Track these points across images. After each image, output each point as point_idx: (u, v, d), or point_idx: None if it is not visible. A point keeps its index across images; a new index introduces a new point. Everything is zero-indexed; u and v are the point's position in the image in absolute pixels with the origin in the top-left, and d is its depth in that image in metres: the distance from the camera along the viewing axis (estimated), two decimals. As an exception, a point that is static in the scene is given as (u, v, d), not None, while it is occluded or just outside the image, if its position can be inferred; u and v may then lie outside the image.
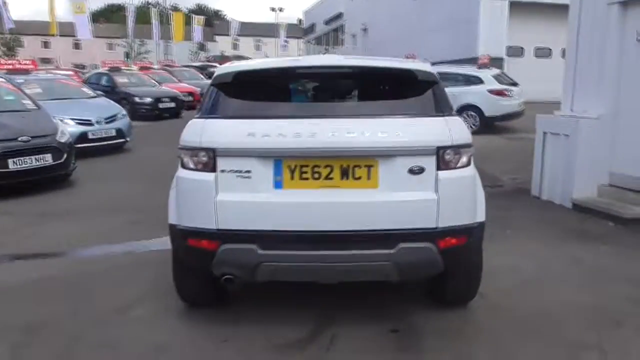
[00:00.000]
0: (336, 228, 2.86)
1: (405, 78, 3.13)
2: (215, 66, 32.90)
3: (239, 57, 39.28)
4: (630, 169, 6.15)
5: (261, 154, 2.88)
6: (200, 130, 2.97)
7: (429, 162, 2.89)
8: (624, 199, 5.97)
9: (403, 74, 3.15)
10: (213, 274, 3.10)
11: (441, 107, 3.09)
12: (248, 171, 2.88)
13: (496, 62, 16.67)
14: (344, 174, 2.89)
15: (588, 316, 3.47)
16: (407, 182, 2.89)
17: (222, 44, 55.42)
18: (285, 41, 50.58)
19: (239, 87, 3.13)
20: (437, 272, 3.06)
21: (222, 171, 2.90)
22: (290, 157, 2.88)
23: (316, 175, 2.89)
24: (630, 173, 6.14)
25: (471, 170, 3.03)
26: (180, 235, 3.07)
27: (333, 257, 2.88)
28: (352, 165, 2.89)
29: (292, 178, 2.90)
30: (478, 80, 12.58)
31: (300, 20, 63.42)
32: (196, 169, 2.97)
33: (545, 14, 17.62)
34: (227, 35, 51.11)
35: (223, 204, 2.89)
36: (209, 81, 3.33)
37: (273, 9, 51.62)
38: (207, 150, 2.92)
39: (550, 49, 18.19)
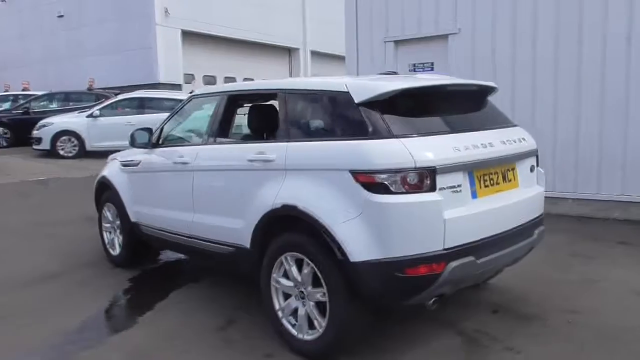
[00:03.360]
0: (514, 225, 3.24)
1: (489, 93, 3.68)
2: None
3: None
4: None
5: (465, 167, 2.97)
6: (407, 150, 2.78)
7: (534, 162, 3.60)
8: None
9: (490, 89, 3.67)
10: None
11: None
12: (459, 185, 2.92)
13: (176, 88, 17.16)
14: (504, 178, 3.28)
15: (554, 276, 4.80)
16: (529, 179, 3.52)
17: None
18: None
19: (401, 104, 3.03)
20: None
21: (440, 189, 2.83)
22: (481, 167, 3.08)
23: (491, 182, 3.18)
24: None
25: None
26: (392, 268, 2.76)
27: (514, 252, 3.25)
28: (506, 170, 3.31)
29: (480, 187, 3.09)
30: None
31: None
32: (408, 192, 2.77)
33: (211, 44, 19.20)
34: None
35: (450, 222, 2.82)
36: None
37: None
38: (423, 169, 2.78)
39: (215, 77, 19.80)
